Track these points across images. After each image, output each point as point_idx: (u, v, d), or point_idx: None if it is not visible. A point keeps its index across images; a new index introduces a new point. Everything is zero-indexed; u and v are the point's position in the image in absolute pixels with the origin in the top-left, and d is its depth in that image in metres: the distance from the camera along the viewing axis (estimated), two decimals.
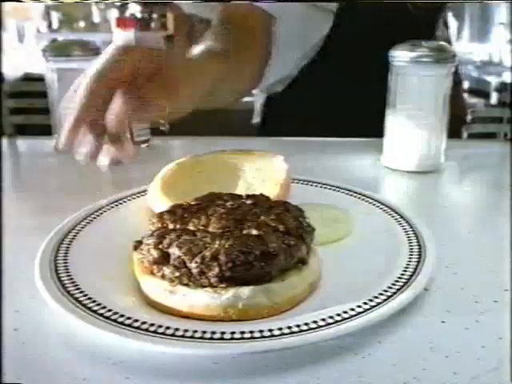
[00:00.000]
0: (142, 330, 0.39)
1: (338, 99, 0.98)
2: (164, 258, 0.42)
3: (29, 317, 0.44)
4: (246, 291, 0.41)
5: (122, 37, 0.96)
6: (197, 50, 0.76)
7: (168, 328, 0.39)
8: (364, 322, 0.40)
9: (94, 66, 0.55)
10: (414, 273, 0.47)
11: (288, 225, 0.44)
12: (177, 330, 0.39)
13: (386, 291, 0.44)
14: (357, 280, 0.47)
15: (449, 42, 1.12)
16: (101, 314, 0.40)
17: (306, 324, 0.39)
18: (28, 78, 2.23)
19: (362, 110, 0.95)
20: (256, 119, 1.25)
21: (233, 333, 0.38)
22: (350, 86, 0.99)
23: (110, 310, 0.41)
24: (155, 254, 0.43)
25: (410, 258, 0.49)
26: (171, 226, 0.46)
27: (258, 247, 0.41)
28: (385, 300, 0.42)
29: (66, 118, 0.53)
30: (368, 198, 0.65)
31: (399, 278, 0.46)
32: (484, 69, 2.89)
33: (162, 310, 0.42)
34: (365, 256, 0.51)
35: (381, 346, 0.40)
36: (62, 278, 0.46)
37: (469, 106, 1.10)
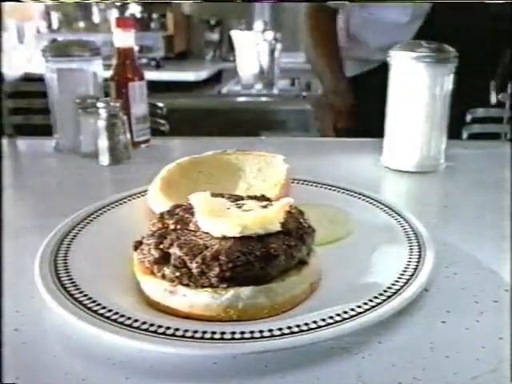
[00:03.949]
0: (142, 330, 0.39)
1: None
2: (164, 258, 0.42)
3: (29, 317, 0.44)
4: (246, 291, 0.41)
5: (122, 37, 0.96)
6: None
7: (168, 328, 0.39)
8: (364, 322, 0.40)
9: None
10: (414, 273, 0.47)
11: (288, 226, 0.44)
12: (177, 330, 0.39)
13: (385, 291, 0.44)
14: (357, 280, 0.47)
15: None
16: (101, 314, 0.40)
17: (306, 324, 0.39)
18: (28, 78, 2.22)
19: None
20: None
21: (233, 333, 0.38)
22: None
23: (110, 310, 0.41)
24: (156, 254, 0.43)
25: (410, 258, 0.49)
26: (172, 227, 0.46)
27: (259, 248, 0.41)
28: (385, 300, 0.42)
29: None
30: (368, 197, 0.65)
31: (399, 277, 0.46)
32: None
33: (162, 310, 0.42)
34: (365, 256, 0.51)
35: (381, 345, 0.40)
36: (62, 278, 0.46)
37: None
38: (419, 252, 0.50)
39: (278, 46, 2.61)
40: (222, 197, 0.50)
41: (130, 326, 0.39)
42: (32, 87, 1.10)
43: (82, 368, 0.39)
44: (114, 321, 0.40)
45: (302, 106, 2.35)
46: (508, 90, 1.10)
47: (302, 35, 1.40)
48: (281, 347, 0.38)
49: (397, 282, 0.45)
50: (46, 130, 0.99)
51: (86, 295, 0.43)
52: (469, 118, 1.07)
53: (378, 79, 0.89)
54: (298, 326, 0.39)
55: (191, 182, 0.65)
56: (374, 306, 0.41)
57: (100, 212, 0.60)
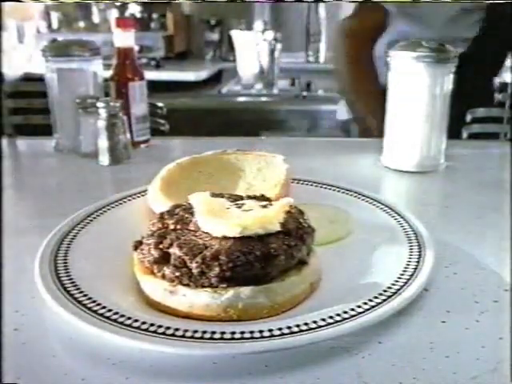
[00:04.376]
0: (142, 330, 0.39)
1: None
2: (164, 258, 0.42)
3: (29, 317, 0.44)
4: (246, 291, 0.41)
5: (122, 37, 0.96)
6: None
7: (168, 328, 0.39)
8: (364, 322, 0.40)
9: None
10: (413, 273, 0.47)
11: (288, 226, 0.44)
12: (177, 330, 0.39)
13: (385, 291, 0.44)
14: (357, 280, 0.47)
15: None
16: (101, 314, 0.40)
17: (306, 324, 0.39)
18: (28, 78, 2.22)
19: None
20: None
21: (233, 333, 0.38)
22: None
23: (110, 310, 0.41)
24: (156, 253, 0.43)
25: (410, 258, 0.49)
26: (172, 227, 0.46)
27: (259, 248, 0.41)
28: (385, 300, 0.42)
29: None
30: (368, 197, 0.65)
31: (399, 278, 0.46)
32: None
33: (162, 309, 0.42)
34: (365, 256, 0.51)
35: (381, 345, 0.40)
36: (62, 278, 0.46)
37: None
38: (419, 252, 0.50)
39: (278, 46, 2.61)
40: (222, 197, 0.50)
41: (130, 325, 0.39)
42: (32, 87, 1.10)
43: (81, 368, 0.39)
44: (114, 321, 0.40)
45: (302, 106, 2.35)
46: (508, 90, 1.10)
47: (337, 56, 1.32)
48: (281, 347, 0.38)
49: (397, 281, 0.45)
50: (46, 130, 0.99)
51: (86, 295, 0.43)
52: (469, 117, 1.07)
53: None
54: (297, 325, 0.39)
55: (191, 181, 0.65)
56: (373, 306, 0.41)
57: (100, 212, 0.60)
